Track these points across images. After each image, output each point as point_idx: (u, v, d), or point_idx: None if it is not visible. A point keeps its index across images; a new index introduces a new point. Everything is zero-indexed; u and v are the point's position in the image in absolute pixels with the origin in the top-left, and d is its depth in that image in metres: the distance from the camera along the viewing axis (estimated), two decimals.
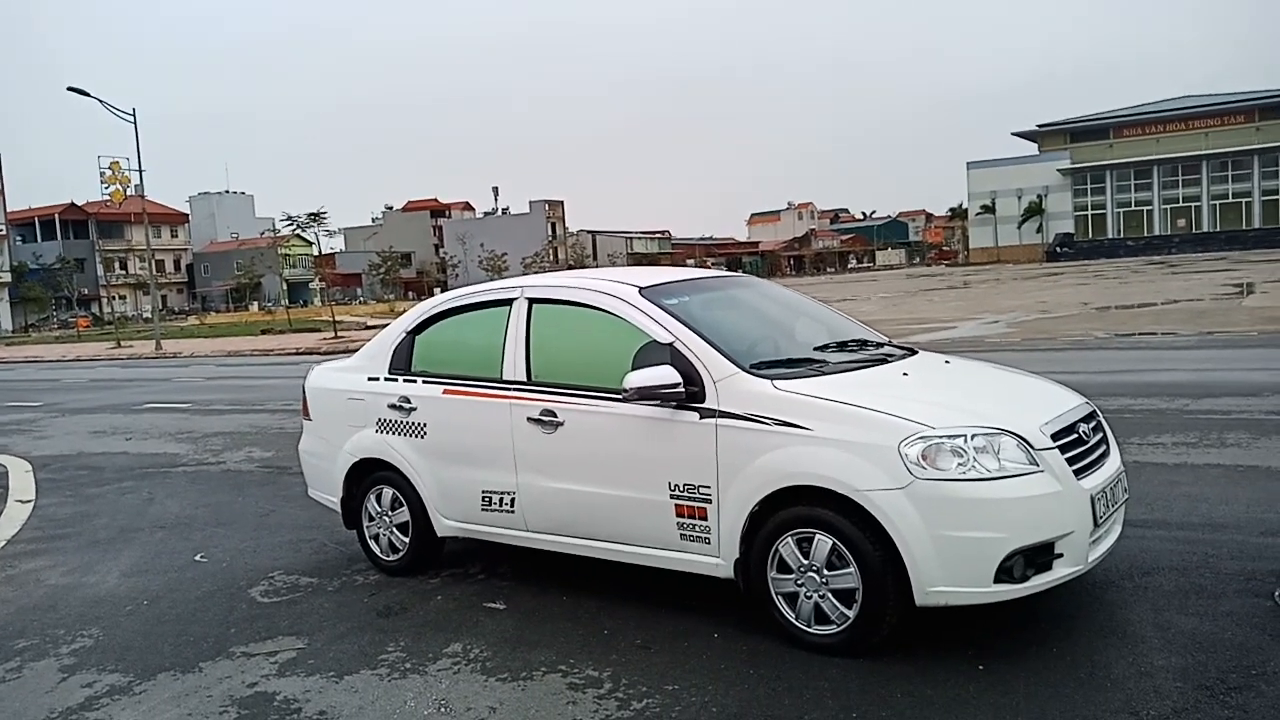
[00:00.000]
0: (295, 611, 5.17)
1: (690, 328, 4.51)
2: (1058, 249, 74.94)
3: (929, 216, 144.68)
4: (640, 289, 4.81)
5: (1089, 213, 78.69)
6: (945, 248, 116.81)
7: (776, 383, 4.25)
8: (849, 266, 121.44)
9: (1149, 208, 76.05)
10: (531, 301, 5.13)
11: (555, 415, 4.80)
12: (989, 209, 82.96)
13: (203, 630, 4.97)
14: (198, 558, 6.39)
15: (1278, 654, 3.83)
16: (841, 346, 4.99)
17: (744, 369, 4.33)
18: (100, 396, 18.62)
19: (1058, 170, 78.66)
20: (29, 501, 8.65)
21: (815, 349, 4.84)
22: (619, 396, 4.45)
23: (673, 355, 4.39)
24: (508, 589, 5.30)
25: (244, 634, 4.87)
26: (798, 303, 5.79)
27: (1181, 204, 74.91)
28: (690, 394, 4.32)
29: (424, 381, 5.45)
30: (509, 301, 5.22)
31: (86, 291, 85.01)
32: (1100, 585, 4.71)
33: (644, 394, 4.34)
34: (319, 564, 6.05)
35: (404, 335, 5.69)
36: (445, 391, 5.31)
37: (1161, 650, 3.94)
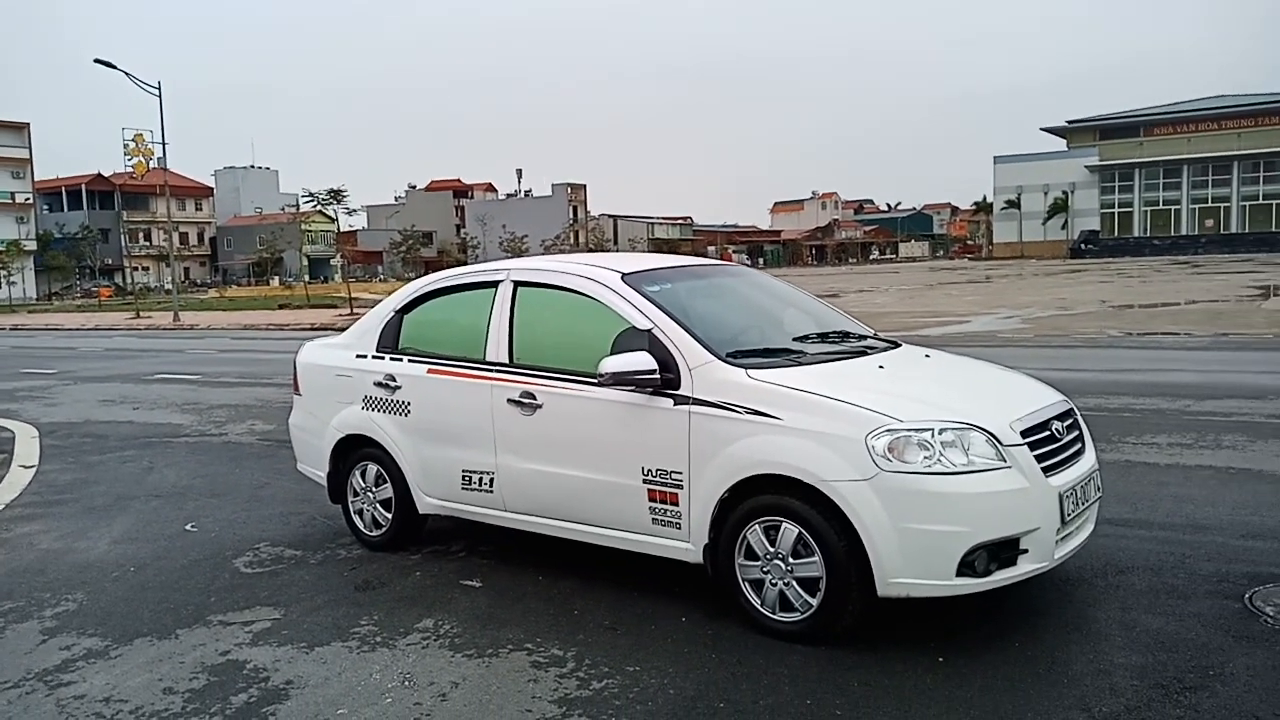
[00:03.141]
0: (276, 583, 5.24)
1: (669, 315, 4.53)
2: (1082, 245, 74.09)
3: (954, 210, 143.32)
4: (623, 275, 4.83)
5: (1115, 210, 77.81)
6: (969, 242, 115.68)
7: (751, 372, 4.27)
8: (871, 258, 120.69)
9: (1177, 207, 75.08)
10: (516, 284, 5.16)
11: (534, 397, 4.83)
12: (1014, 204, 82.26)
13: (184, 598, 5.05)
14: (188, 527, 6.49)
15: (1238, 655, 3.83)
16: (822, 338, 4.99)
17: (720, 357, 4.34)
18: (113, 366, 18.84)
19: (1085, 167, 77.77)
20: (31, 467, 8.79)
21: (795, 339, 4.85)
22: (595, 381, 4.48)
23: (650, 342, 4.41)
24: (486, 567, 5.35)
25: (223, 603, 4.95)
26: (785, 293, 5.79)
27: (1210, 204, 73.87)
28: (665, 380, 4.34)
29: (410, 360, 5.50)
30: (495, 284, 5.25)
31: (110, 261, 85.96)
32: (1072, 582, 4.71)
33: (619, 379, 4.37)
34: (305, 537, 6.13)
35: (393, 314, 5.74)
36: (429, 371, 5.36)
37: (1123, 649, 3.95)
